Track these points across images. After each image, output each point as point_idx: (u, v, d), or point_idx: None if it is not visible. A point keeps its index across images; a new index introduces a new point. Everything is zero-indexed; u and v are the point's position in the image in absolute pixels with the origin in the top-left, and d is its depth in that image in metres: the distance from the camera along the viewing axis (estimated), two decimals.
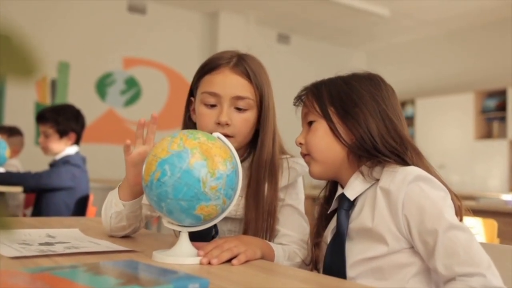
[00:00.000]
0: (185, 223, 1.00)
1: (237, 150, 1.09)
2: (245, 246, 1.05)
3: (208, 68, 1.31)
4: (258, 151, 1.30)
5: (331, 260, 1.13)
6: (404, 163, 1.10)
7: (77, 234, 1.30)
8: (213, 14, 6.71)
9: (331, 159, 1.17)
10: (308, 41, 7.59)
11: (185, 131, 1.03)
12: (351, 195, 1.14)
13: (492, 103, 6.59)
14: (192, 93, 1.37)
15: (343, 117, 1.16)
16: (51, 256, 0.98)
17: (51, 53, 5.73)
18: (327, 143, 1.16)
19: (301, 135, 1.23)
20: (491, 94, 6.64)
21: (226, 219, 1.30)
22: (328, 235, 1.19)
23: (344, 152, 1.16)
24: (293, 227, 1.31)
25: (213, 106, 1.29)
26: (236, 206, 1.28)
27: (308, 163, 1.22)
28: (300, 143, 1.22)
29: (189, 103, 1.38)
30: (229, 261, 1.00)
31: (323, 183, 1.28)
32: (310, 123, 1.20)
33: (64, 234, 1.28)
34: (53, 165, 2.77)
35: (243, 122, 1.29)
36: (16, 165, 3.47)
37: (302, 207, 1.34)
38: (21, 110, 5.49)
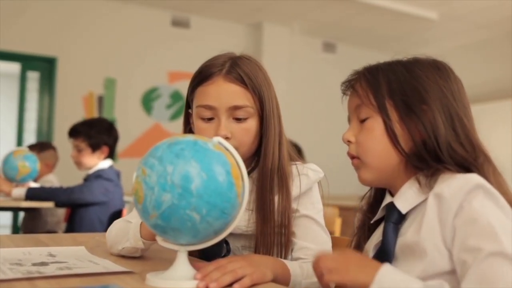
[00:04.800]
0: None
1: (243, 160, 0.96)
2: (252, 268, 0.91)
3: (200, 78, 1.20)
4: (262, 161, 1.18)
5: None
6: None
7: (80, 252, 1.20)
8: (257, 25, 6.63)
9: (385, 165, 0.97)
10: (354, 49, 7.38)
11: None
12: (403, 208, 0.94)
13: None
14: (188, 105, 1.26)
15: (404, 115, 0.95)
16: (34, 279, 0.88)
17: (97, 69, 5.81)
18: (384, 147, 0.96)
19: (350, 131, 1.01)
20: None
21: (239, 235, 1.18)
22: (370, 249, 1.00)
23: (400, 158, 0.96)
24: (311, 239, 1.17)
25: (210, 119, 1.18)
26: (246, 221, 1.16)
27: (356, 167, 1.01)
28: (349, 141, 1.01)
29: (187, 116, 1.28)
30: (232, 285, 0.87)
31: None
32: (363, 118, 0.99)
33: (67, 252, 1.18)
34: (86, 179, 2.73)
35: (245, 132, 1.17)
36: (51, 180, 3.47)
37: (320, 218, 1.20)
38: (69, 126, 5.56)
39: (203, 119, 1.19)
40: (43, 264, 1.03)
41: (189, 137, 0.89)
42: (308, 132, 6.60)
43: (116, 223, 1.23)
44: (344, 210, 4.81)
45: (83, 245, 1.27)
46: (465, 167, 0.91)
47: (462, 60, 7.25)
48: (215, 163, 0.85)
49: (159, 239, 0.93)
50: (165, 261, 1.14)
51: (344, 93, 1.06)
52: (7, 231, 5.93)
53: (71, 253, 1.18)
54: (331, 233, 2.76)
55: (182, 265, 0.90)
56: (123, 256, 1.17)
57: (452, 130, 0.94)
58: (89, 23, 5.74)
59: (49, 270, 0.97)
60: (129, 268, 1.01)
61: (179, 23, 6.32)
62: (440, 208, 0.87)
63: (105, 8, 5.81)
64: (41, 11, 5.45)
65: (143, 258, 1.18)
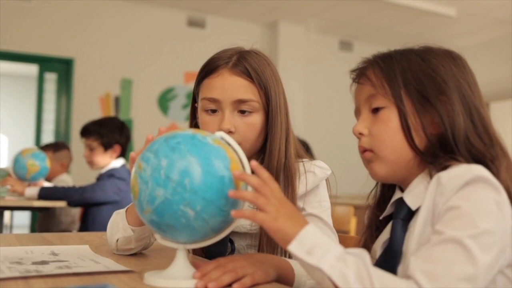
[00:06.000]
0: None
1: (248, 157, 0.93)
2: (254, 267, 0.88)
3: (206, 71, 1.18)
4: (267, 158, 1.15)
5: None
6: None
7: (84, 251, 1.18)
8: (273, 24, 6.60)
9: (400, 159, 0.90)
10: (372, 47, 7.26)
11: None
12: (413, 204, 0.88)
13: None
14: (195, 99, 1.24)
15: (419, 106, 0.89)
16: (29, 278, 0.86)
17: (114, 70, 5.83)
18: (401, 140, 0.89)
19: (362, 123, 0.94)
20: None
21: (244, 233, 1.16)
22: (378, 248, 0.95)
23: (413, 151, 0.90)
24: None
25: (214, 111, 1.15)
26: None
27: (368, 160, 0.94)
28: (361, 134, 0.94)
29: (194, 110, 1.25)
30: (232, 285, 0.84)
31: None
32: (376, 109, 0.93)
33: (70, 251, 1.17)
34: (99, 179, 2.73)
35: (248, 127, 1.14)
36: (65, 180, 3.48)
37: (327, 216, 1.16)
38: None
39: (207, 111, 1.17)
40: (43, 263, 1.01)
41: (188, 131, 0.87)
42: (324, 130, 6.55)
43: (111, 218, 1.20)
44: (359, 209, 4.75)
45: (88, 244, 1.26)
46: (479, 161, 0.86)
47: (481, 55, 7.12)
48: (212, 157, 0.82)
49: (158, 237, 0.91)
50: (167, 260, 1.11)
51: (354, 81, 0.99)
52: (25, 231, 5.98)
53: (74, 252, 1.16)
54: (346, 232, 2.71)
55: (181, 264, 0.88)
56: (125, 255, 1.15)
57: (470, 122, 0.89)
58: (105, 24, 5.77)
59: (48, 269, 0.95)
60: (130, 267, 0.99)
61: (195, 23, 6.31)
62: (437, 193, 0.82)
63: (121, 9, 5.83)
64: (58, 13, 5.49)
65: (145, 257, 1.16)
